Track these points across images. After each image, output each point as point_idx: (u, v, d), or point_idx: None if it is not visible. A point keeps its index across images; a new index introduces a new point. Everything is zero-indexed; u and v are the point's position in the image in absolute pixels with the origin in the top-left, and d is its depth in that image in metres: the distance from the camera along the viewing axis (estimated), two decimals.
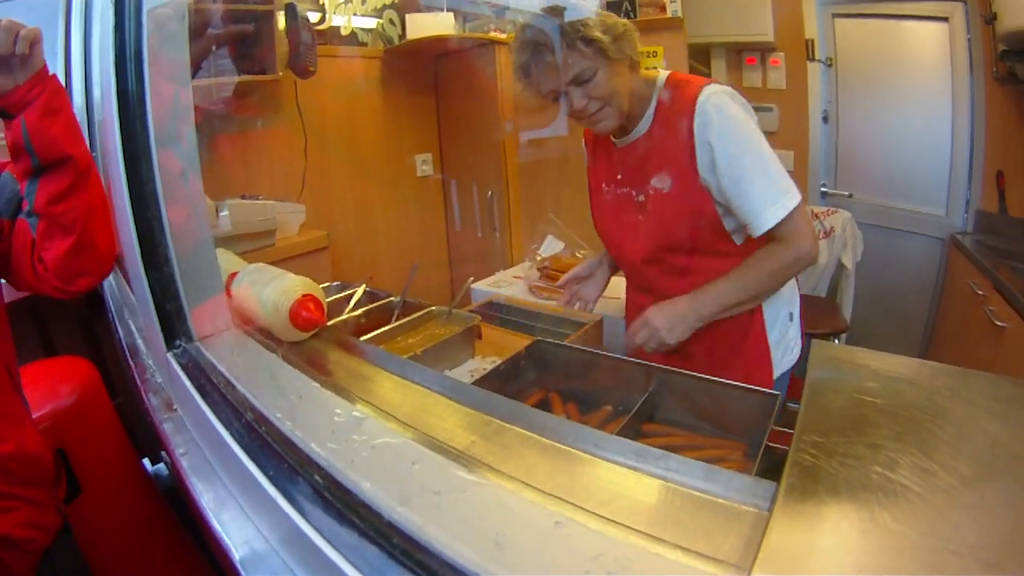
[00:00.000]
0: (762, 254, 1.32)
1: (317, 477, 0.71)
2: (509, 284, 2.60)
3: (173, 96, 1.06)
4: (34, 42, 1.05)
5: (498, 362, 1.35)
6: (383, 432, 0.76)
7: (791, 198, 1.26)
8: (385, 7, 2.99)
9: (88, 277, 1.20)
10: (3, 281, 1.21)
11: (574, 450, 0.70)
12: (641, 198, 1.42)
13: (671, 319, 1.31)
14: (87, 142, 1.21)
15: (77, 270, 1.17)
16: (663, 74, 1.36)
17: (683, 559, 0.51)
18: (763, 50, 3.03)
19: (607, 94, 1.29)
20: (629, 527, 0.55)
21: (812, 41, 2.87)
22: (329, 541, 0.62)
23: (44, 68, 1.09)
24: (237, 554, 0.73)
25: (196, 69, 2.16)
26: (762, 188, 1.25)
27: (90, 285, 1.22)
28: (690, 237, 1.37)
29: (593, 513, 0.57)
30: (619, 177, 1.47)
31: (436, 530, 0.56)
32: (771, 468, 0.88)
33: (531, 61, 1.29)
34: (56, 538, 1.21)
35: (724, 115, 1.26)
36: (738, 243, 1.37)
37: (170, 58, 1.05)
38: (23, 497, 1.14)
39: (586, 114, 1.31)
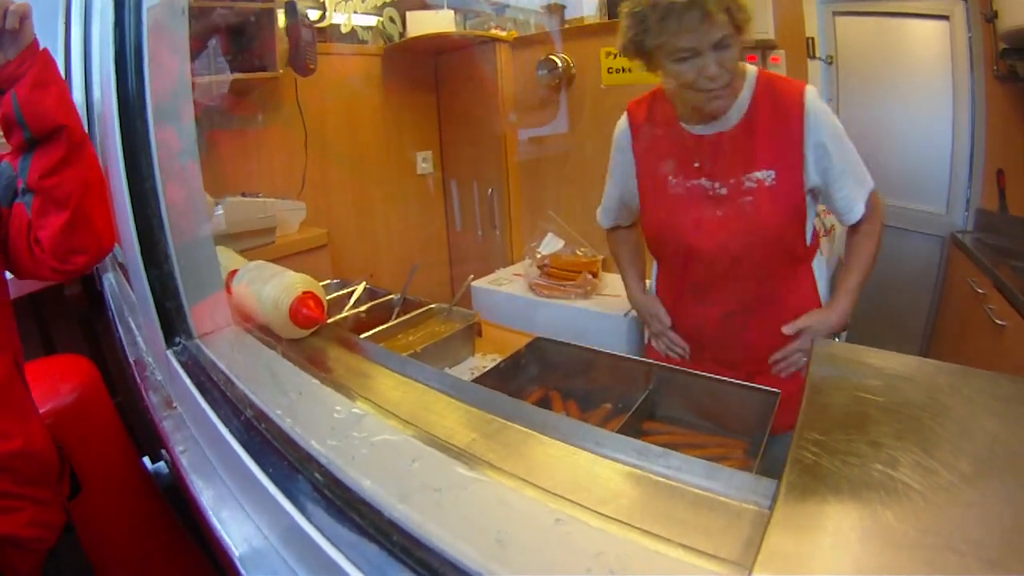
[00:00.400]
0: (863, 236, 1.39)
1: (317, 474, 0.71)
2: (509, 282, 2.61)
3: (173, 93, 1.06)
4: (24, 17, 1.05)
5: (498, 360, 1.35)
6: (383, 429, 0.76)
7: (869, 177, 1.35)
8: (385, 4, 2.99)
9: (84, 255, 1.19)
10: (9, 276, 1.20)
11: (575, 448, 0.70)
12: (723, 191, 1.35)
13: (831, 334, 1.39)
14: (84, 124, 1.20)
15: (73, 247, 1.16)
16: (752, 68, 1.33)
17: (685, 557, 0.51)
18: (764, 48, 3.02)
19: (734, 68, 1.23)
20: (630, 525, 0.55)
21: (813, 39, 2.86)
22: (329, 539, 0.62)
23: (35, 42, 1.09)
24: (237, 552, 0.73)
25: (196, 54, 2.17)
26: (855, 179, 1.33)
27: (87, 264, 1.22)
28: (784, 234, 1.36)
29: (594, 511, 0.57)
30: (696, 167, 1.37)
31: (437, 528, 0.56)
32: (771, 466, 0.88)
33: (688, 7, 1.15)
34: (60, 536, 1.21)
35: (830, 118, 1.30)
36: (807, 243, 1.41)
37: (170, 54, 1.05)
38: (29, 496, 1.13)
39: (715, 85, 1.22)
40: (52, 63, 1.12)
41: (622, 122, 1.51)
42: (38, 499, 1.15)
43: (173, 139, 1.07)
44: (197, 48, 2.20)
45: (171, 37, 1.04)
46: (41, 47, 1.11)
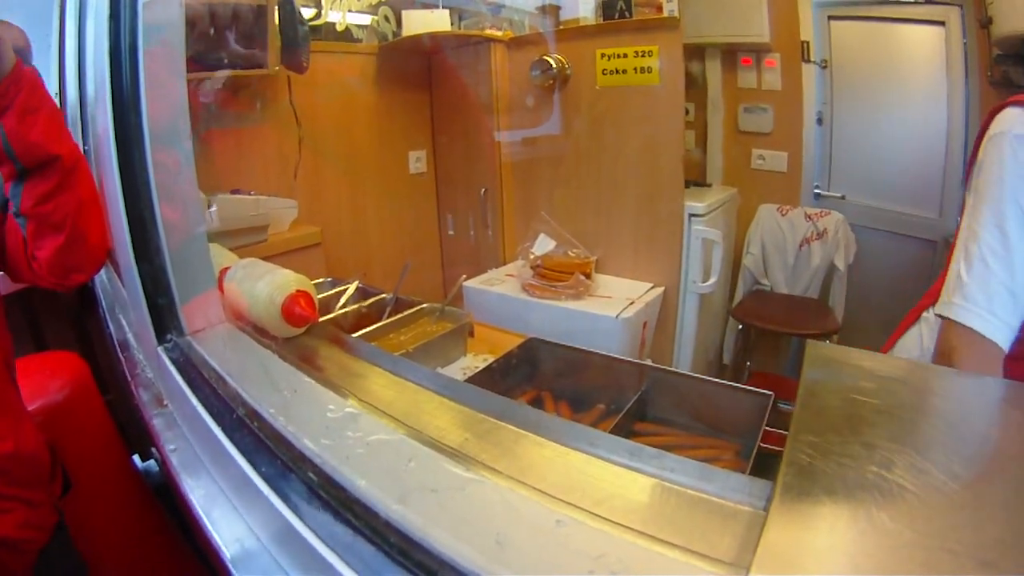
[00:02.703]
0: None
1: (311, 474, 0.70)
2: (502, 282, 2.61)
3: (168, 88, 1.05)
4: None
5: (490, 360, 1.35)
6: (378, 429, 0.76)
7: None
8: (380, 3, 2.98)
9: (82, 273, 1.18)
10: (0, 273, 1.19)
11: (568, 448, 0.70)
12: None
13: None
14: (76, 133, 1.17)
15: (70, 265, 1.15)
16: None
17: (684, 558, 0.51)
18: (758, 51, 3.03)
19: None
20: (625, 526, 0.55)
21: (807, 43, 2.87)
22: (323, 540, 0.62)
23: (18, 65, 1.02)
24: (228, 552, 0.73)
25: (199, 58, 2.16)
26: None
27: (85, 279, 1.21)
28: None
29: (593, 513, 0.57)
30: None
31: (435, 529, 0.56)
32: (763, 468, 0.88)
33: None
34: (52, 536, 1.20)
35: None
36: None
37: (165, 49, 1.04)
38: (21, 498, 1.12)
39: None
40: (39, 86, 1.05)
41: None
42: (30, 500, 1.14)
43: (167, 134, 1.06)
44: (191, 44, 2.19)
45: (167, 31, 1.04)
46: (27, 66, 1.04)
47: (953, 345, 1.02)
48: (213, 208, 2.14)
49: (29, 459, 1.15)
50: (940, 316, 1.04)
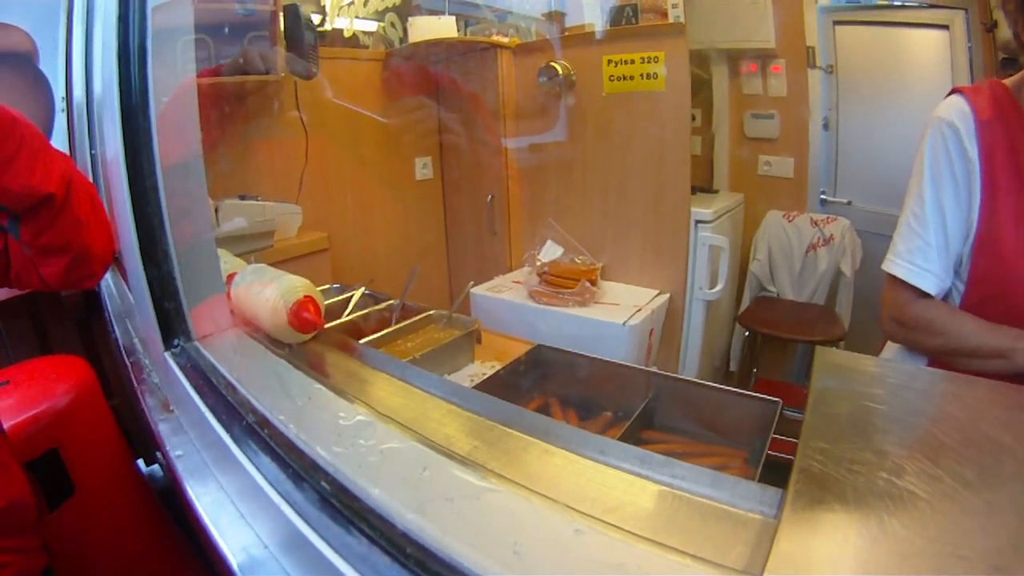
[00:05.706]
0: None
1: (323, 482, 0.70)
2: (509, 289, 2.61)
3: (177, 92, 1.05)
4: None
5: (498, 367, 1.35)
6: (391, 437, 0.75)
7: None
8: (387, 10, 2.99)
9: (91, 279, 1.18)
10: None
11: (578, 456, 0.69)
12: None
13: None
14: (82, 136, 1.17)
15: (78, 276, 1.14)
16: None
17: (697, 566, 0.50)
18: (764, 57, 3.03)
19: None
20: (638, 535, 0.54)
21: (813, 48, 2.87)
22: (335, 549, 0.61)
23: None
24: (235, 560, 0.72)
25: (207, 62, 2.17)
26: None
27: (95, 283, 1.21)
28: None
29: (604, 521, 0.57)
30: None
31: (452, 539, 0.56)
32: (772, 475, 0.88)
33: None
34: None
35: None
36: None
37: (175, 53, 1.04)
38: (13, 549, 1.12)
39: None
40: (11, 130, 0.97)
41: (958, 107, 1.12)
42: (22, 548, 1.14)
43: (175, 137, 1.06)
44: (199, 49, 2.20)
45: (176, 34, 1.04)
46: None
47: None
48: (240, 217, 2.15)
49: (18, 508, 1.14)
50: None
